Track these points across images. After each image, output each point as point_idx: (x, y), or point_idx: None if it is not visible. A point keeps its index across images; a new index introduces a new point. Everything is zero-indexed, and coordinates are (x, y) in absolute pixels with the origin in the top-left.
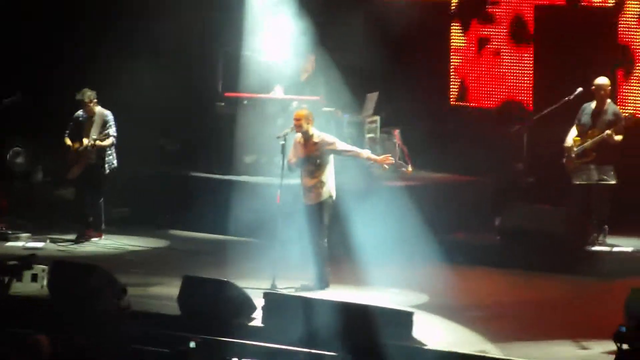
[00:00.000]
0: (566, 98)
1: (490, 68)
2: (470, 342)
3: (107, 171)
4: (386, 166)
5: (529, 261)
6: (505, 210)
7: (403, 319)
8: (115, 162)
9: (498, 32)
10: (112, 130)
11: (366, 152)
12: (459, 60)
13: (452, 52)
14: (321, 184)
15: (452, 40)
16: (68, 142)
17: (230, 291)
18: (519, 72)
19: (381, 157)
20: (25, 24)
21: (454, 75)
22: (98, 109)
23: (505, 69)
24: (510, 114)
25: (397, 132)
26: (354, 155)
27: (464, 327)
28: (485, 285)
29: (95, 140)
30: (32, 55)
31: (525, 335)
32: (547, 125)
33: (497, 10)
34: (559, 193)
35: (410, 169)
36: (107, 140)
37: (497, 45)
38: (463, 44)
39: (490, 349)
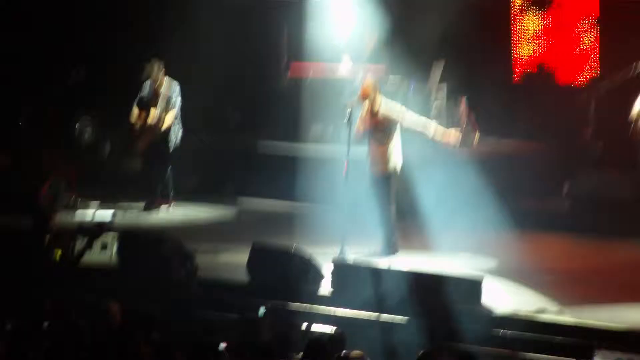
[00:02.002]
0: (634, 64)
1: (558, 38)
2: (541, 306)
3: (174, 141)
4: (451, 145)
5: (598, 226)
6: (575, 176)
7: (473, 284)
8: (180, 133)
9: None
10: (178, 101)
11: (432, 130)
12: (520, 27)
13: (513, 17)
14: (388, 152)
15: (513, 6)
16: (135, 113)
17: (299, 258)
18: (586, 42)
19: (447, 137)
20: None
21: (517, 42)
22: (165, 79)
23: (572, 38)
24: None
25: (463, 99)
26: (419, 131)
27: (535, 291)
28: (555, 250)
29: (161, 113)
30: (96, 27)
31: (595, 299)
32: (615, 92)
33: None
34: (627, 159)
35: (477, 136)
36: (170, 113)
37: (563, 15)
38: (523, 10)
39: (562, 313)
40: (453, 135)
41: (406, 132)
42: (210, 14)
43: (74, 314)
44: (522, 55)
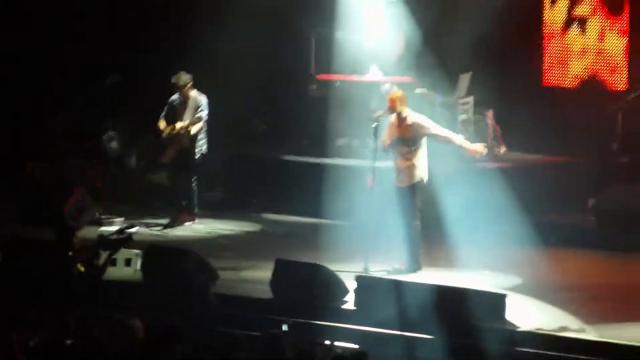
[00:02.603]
0: None
1: (584, 47)
2: (565, 323)
3: (198, 155)
4: (477, 155)
5: (624, 242)
6: (601, 191)
7: (496, 301)
8: (205, 146)
9: (592, 11)
10: (203, 114)
11: (459, 139)
12: (551, 41)
13: (545, 31)
14: (414, 166)
15: (544, 20)
16: (162, 125)
17: (323, 274)
18: (613, 52)
19: (474, 145)
20: (121, 6)
21: (548, 55)
22: (193, 93)
23: (599, 48)
24: (592, 92)
25: (490, 113)
26: (447, 141)
27: (558, 308)
28: (580, 267)
29: (187, 125)
30: (126, 38)
31: (620, 316)
32: None
33: None
34: None
35: (503, 150)
36: (197, 125)
37: (591, 24)
38: (556, 24)
39: (585, 331)
40: (479, 146)
41: (432, 140)
42: (238, 26)
43: (97, 329)
44: (551, 66)
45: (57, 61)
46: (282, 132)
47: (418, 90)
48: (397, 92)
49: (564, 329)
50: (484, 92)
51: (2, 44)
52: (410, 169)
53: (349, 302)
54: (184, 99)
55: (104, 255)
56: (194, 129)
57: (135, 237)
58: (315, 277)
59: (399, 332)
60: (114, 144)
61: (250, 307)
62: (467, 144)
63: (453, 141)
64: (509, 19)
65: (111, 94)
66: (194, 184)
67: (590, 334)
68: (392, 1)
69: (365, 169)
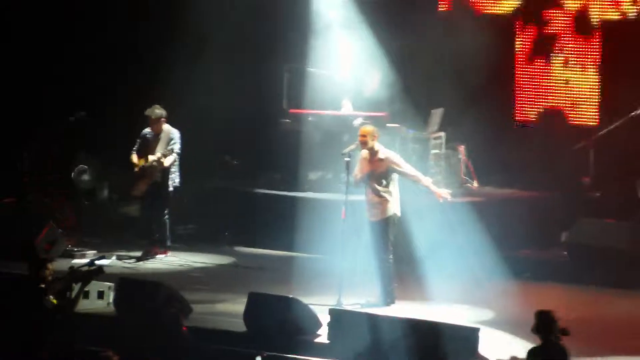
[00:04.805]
0: (632, 113)
1: (556, 85)
2: None
3: (171, 188)
4: (440, 200)
5: (596, 277)
6: (572, 226)
7: (469, 335)
8: (177, 180)
9: (564, 45)
10: (176, 147)
11: (427, 180)
12: (523, 77)
13: (517, 68)
14: (385, 200)
15: (517, 57)
16: (134, 158)
17: (296, 307)
18: (585, 89)
19: (440, 190)
20: (90, 40)
21: (519, 91)
22: (166, 127)
23: (571, 86)
24: (551, 126)
25: (462, 147)
26: (415, 181)
27: (531, 343)
28: (552, 301)
29: (159, 157)
30: (97, 72)
31: (592, 351)
32: (613, 140)
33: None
34: (626, 208)
35: (475, 184)
36: (169, 157)
37: (564, 58)
38: (527, 62)
39: None
40: (444, 191)
41: (400, 176)
42: (211, 61)
43: None
44: (524, 101)
45: (27, 97)
46: (255, 165)
47: (389, 125)
48: (369, 127)
49: None
50: (456, 127)
51: None
52: (383, 203)
53: (322, 336)
54: (157, 133)
55: (76, 287)
56: (166, 161)
57: (107, 270)
58: (289, 310)
59: None
60: (85, 177)
61: (224, 340)
62: (433, 187)
63: (421, 182)
64: (482, 56)
65: (80, 128)
66: (165, 217)
67: None
68: (366, 39)
69: (338, 202)
